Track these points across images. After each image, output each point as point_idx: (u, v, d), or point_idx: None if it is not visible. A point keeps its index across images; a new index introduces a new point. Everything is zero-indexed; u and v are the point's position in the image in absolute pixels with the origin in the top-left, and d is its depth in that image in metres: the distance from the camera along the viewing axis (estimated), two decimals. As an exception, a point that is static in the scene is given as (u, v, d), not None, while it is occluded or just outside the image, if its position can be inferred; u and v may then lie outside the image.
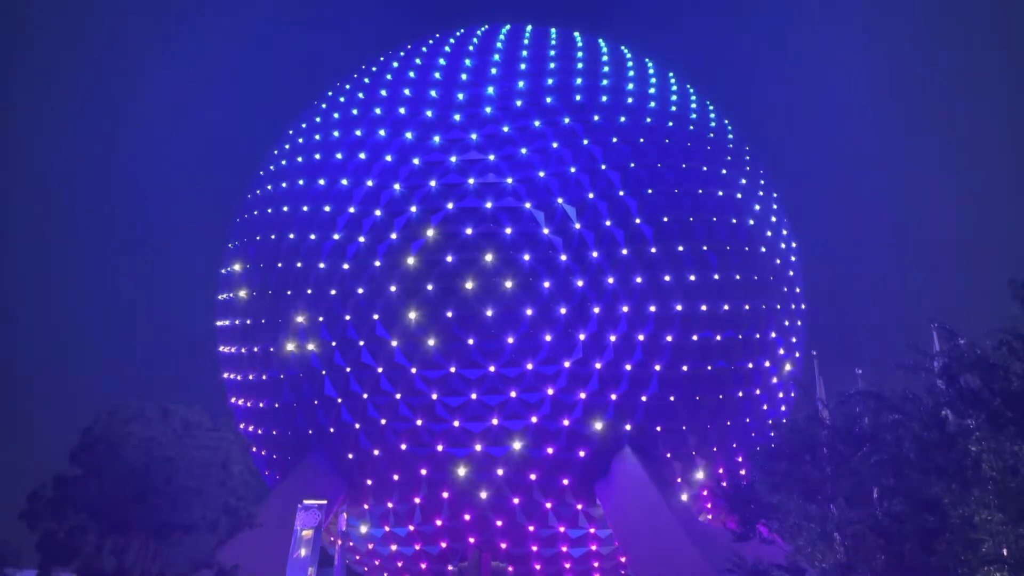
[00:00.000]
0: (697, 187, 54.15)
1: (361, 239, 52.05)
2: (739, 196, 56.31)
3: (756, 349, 53.74)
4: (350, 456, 51.94)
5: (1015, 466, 23.89)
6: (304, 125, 61.59)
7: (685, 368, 50.89)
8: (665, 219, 51.96)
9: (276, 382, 54.14)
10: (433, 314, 49.66)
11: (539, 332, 49.31)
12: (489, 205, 50.86)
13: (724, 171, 56.86)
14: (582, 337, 49.55)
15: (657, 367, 50.35)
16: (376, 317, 50.55)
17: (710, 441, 52.77)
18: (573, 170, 51.92)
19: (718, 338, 51.82)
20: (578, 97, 55.92)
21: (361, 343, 50.78)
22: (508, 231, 50.24)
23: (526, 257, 49.86)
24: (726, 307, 52.23)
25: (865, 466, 28.95)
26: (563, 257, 50.04)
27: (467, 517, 51.03)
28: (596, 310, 49.73)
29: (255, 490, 41.38)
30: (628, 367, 49.93)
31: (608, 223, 50.96)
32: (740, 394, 53.17)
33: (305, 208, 54.94)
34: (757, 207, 57.35)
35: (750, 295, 53.60)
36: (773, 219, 59.38)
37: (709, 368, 51.58)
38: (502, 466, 49.90)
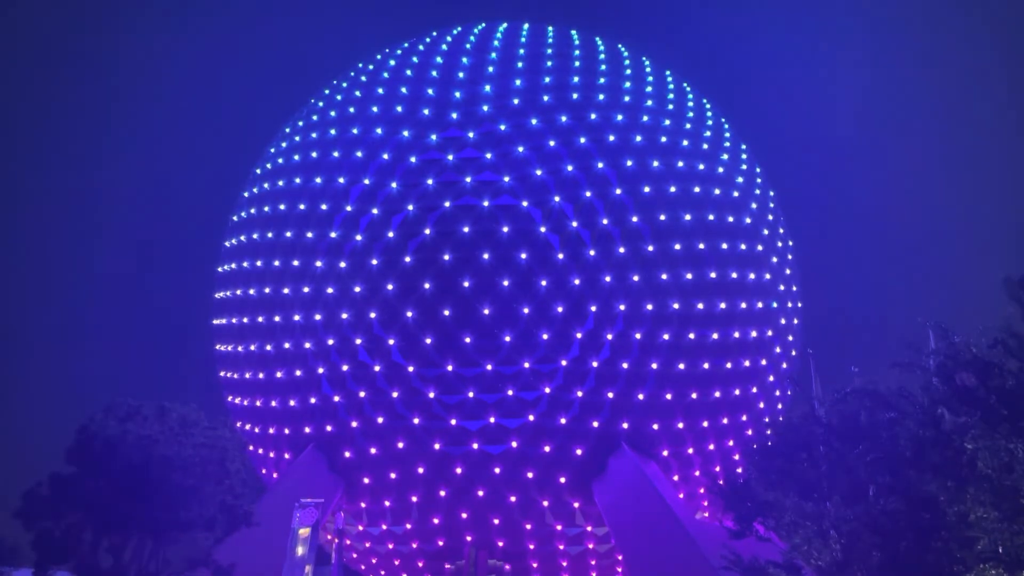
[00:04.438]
0: (694, 185, 54.21)
1: (358, 237, 52.04)
2: (736, 194, 56.38)
3: (752, 347, 53.81)
4: (347, 454, 51.96)
5: (1010, 464, 23.95)
6: (301, 123, 61.54)
7: (681, 366, 50.94)
8: (662, 217, 52.01)
9: (273, 380, 54.12)
10: (430, 312, 49.69)
11: (536, 330, 49.35)
12: (486, 203, 50.87)
13: (721, 169, 56.92)
14: (579, 335, 49.58)
15: (654, 365, 50.41)
16: (373, 315, 50.55)
17: (706, 439, 52.86)
18: (570, 168, 51.94)
19: (714, 336, 51.90)
20: (575, 95, 55.91)
21: (358, 341, 50.78)
22: (505, 229, 50.26)
23: (523, 255, 49.88)
24: (722, 305, 52.29)
25: (861, 464, 29.00)
26: (560, 255, 50.08)
27: (464, 515, 51.07)
28: (593, 308, 49.76)
29: (252, 488, 41.40)
30: (625, 365, 49.97)
31: (605, 221, 51.00)
32: (736, 392, 53.25)
33: (302, 206, 54.92)
34: (754, 205, 57.42)
35: (746, 293, 53.66)
36: (770, 217, 59.45)
37: (705, 366, 51.66)
38: (499, 464, 49.94)
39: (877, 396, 30.57)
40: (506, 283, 49.48)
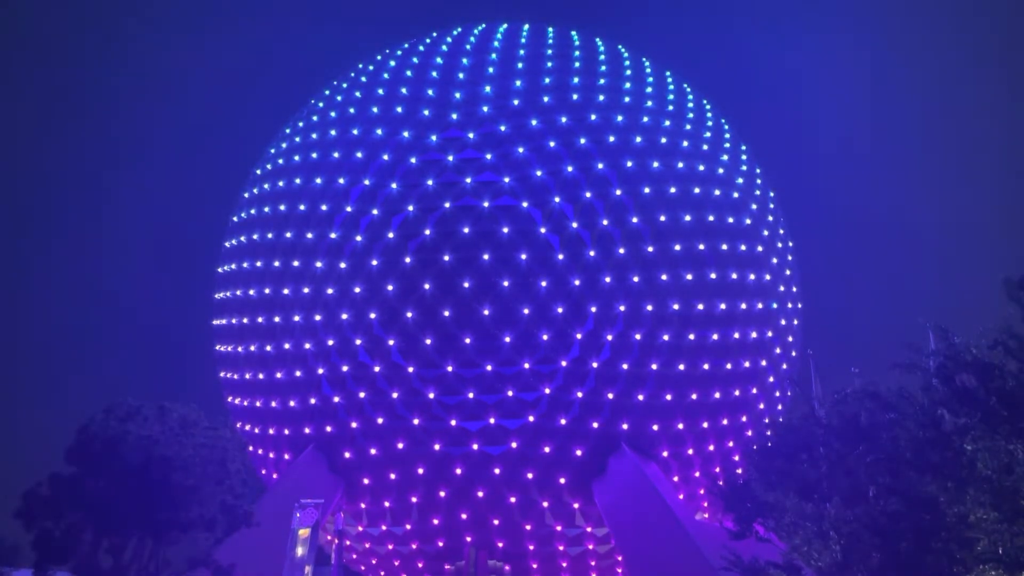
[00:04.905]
0: (694, 186, 54.23)
1: (358, 238, 52.05)
2: (736, 195, 56.39)
3: (752, 348, 53.81)
4: (347, 455, 51.96)
5: (1010, 465, 23.93)
6: (301, 123, 61.54)
7: (681, 367, 50.96)
8: (662, 218, 52.03)
9: (273, 381, 54.12)
10: (430, 313, 49.69)
11: (536, 331, 49.34)
12: (486, 204, 50.88)
13: (721, 170, 56.95)
14: (579, 336, 49.58)
15: (654, 366, 50.42)
16: (373, 316, 50.55)
17: (707, 440, 52.86)
18: (570, 169, 51.95)
19: (714, 337, 51.91)
20: (575, 96, 55.94)
21: (358, 342, 50.78)
22: (505, 230, 50.26)
23: (523, 256, 49.89)
24: (723, 306, 52.30)
25: (861, 465, 28.98)
26: (560, 256, 50.08)
27: (464, 516, 51.07)
28: (593, 309, 49.77)
29: (252, 489, 41.41)
30: (625, 366, 49.98)
31: (605, 222, 51.00)
32: (736, 393, 53.26)
33: (302, 207, 54.92)
34: (754, 206, 57.43)
35: (746, 294, 53.68)
36: (770, 218, 59.46)
37: (705, 367, 51.67)
38: (499, 465, 49.93)
39: (877, 397, 30.54)
40: (506, 284, 49.49)
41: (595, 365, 49.70)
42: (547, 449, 49.93)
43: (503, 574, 52.04)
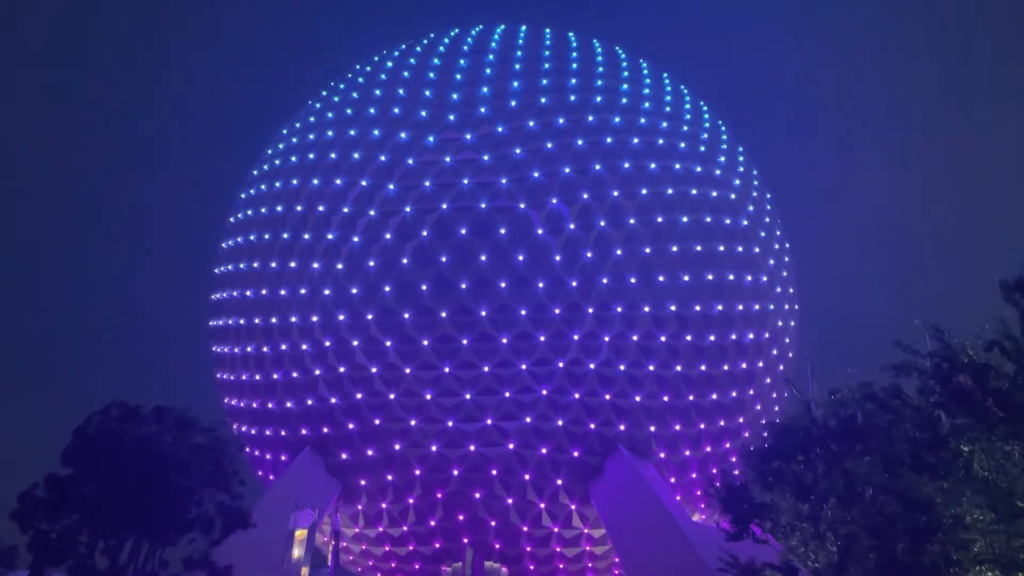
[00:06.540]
0: (691, 187, 54.25)
1: (355, 239, 51.98)
2: (733, 197, 56.42)
3: (749, 350, 53.84)
4: (344, 456, 51.90)
5: (1006, 466, 23.97)
6: (298, 124, 61.50)
7: (679, 368, 50.98)
8: (659, 219, 52.04)
9: (270, 382, 54.05)
10: (427, 314, 49.66)
11: (534, 332, 49.32)
12: (483, 205, 50.86)
13: (718, 172, 56.98)
14: (576, 337, 49.58)
15: (651, 368, 50.43)
16: (370, 317, 50.50)
17: (703, 441, 52.89)
18: (567, 170, 51.94)
19: (711, 339, 51.92)
20: (572, 97, 55.97)
21: (355, 343, 50.72)
22: (502, 231, 50.24)
23: (520, 257, 49.87)
24: (719, 308, 52.33)
25: (858, 466, 29.04)
26: (557, 257, 50.08)
27: (461, 517, 51.02)
28: (590, 311, 49.75)
29: (249, 490, 41.40)
30: (622, 367, 49.98)
31: (602, 223, 51.00)
32: (734, 394, 53.29)
33: (299, 208, 54.84)
34: (751, 208, 57.46)
35: (743, 296, 53.71)
36: (767, 220, 59.51)
37: (703, 368, 51.68)
38: (496, 466, 49.92)
39: (874, 398, 30.59)
40: (503, 285, 49.48)
41: (592, 367, 49.69)
42: (544, 450, 49.92)
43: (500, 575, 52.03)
